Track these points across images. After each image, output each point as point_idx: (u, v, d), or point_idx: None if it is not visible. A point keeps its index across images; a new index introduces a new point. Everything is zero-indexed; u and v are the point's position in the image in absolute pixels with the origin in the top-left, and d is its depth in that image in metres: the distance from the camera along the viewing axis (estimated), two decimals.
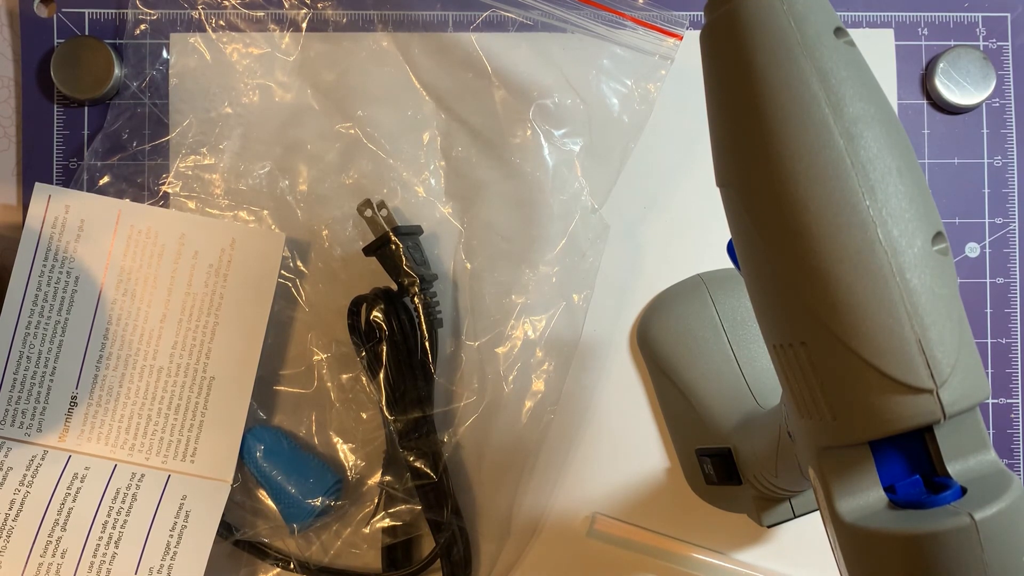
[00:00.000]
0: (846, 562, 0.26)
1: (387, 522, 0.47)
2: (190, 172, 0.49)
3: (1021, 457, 0.50)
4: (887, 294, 0.24)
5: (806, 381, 0.26)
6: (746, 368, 0.46)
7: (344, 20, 0.50)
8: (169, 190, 0.49)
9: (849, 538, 0.26)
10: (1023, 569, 0.23)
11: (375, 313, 0.46)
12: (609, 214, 0.49)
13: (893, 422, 0.24)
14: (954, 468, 0.26)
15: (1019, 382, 0.51)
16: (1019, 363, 0.51)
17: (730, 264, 0.39)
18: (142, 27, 0.50)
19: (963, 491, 0.25)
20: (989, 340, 0.51)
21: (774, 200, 0.25)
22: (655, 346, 0.48)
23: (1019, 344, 0.51)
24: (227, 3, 0.50)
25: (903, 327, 0.24)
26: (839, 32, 0.26)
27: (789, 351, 0.26)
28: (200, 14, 0.50)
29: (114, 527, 0.45)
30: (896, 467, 0.26)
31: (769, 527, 0.45)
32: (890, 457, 0.26)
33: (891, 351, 0.24)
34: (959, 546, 0.23)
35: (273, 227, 0.49)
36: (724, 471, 0.44)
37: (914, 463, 0.26)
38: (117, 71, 0.49)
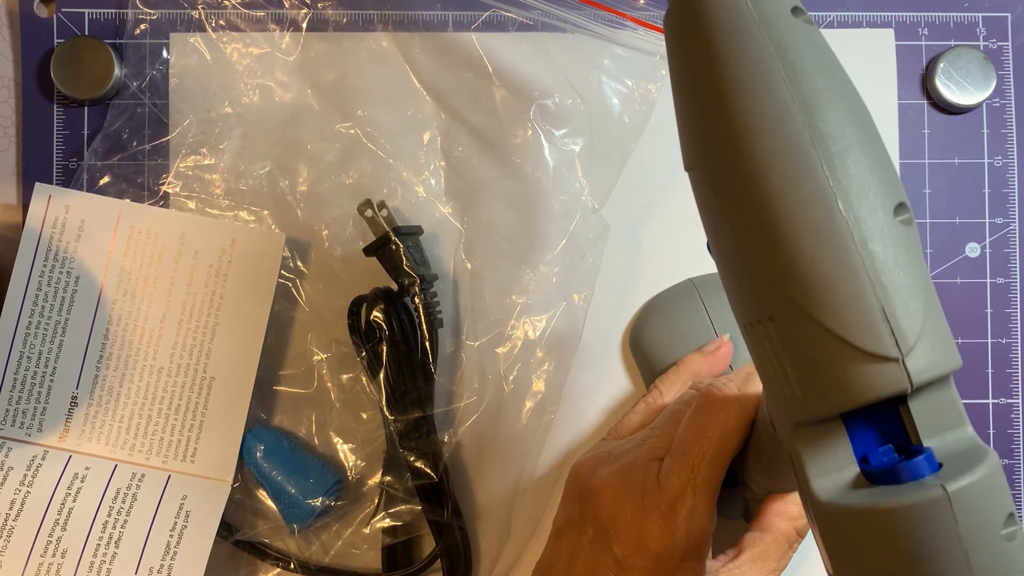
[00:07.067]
0: (824, 542, 0.26)
1: (387, 522, 0.47)
2: (190, 172, 0.49)
3: (1021, 457, 0.50)
4: (849, 264, 0.24)
5: (776, 357, 0.26)
6: None
7: (344, 20, 0.50)
8: (169, 190, 0.49)
9: (825, 517, 0.26)
10: (999, 542, 0.23)
11: (375, 313, 0.46)
12: (609, 214, 0.49)
13: (860, 392, 0.24)
14: (931, 443, 0.25)
15: (1019, 382, 0.51)
16: (1019, 363, 0.51)
17: None
18: (142, 27, 0.50)
19: (940, 466, 0.25)
20: (989, 340, 0.51)
21: (737, 177, 0.26)
22: (648, 351, 0.48)
23: (1019, 344, 0.51)
24: (227, 3, 0.50)
25: (867, 296, 0.24)
26: (797, 11, 0.26)
27: (759, 328, 0.26)
28: (200, 14, 0.50)
29: (114, 527, 0.45)
30: (871, 442, 0.26)
31: None
32: (865, 433, 0.26)
33: (855, 321, 0.24)
34: (932, 519, 0.23)
35: (273, 227, 0.49)
36: None
37: (889, 438, 0.26)
38: (117, 71, 0.49)
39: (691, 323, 0.47)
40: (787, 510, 0.39)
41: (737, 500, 0.46)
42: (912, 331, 0.24)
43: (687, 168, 0.28)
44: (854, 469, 0.26)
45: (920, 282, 0.25)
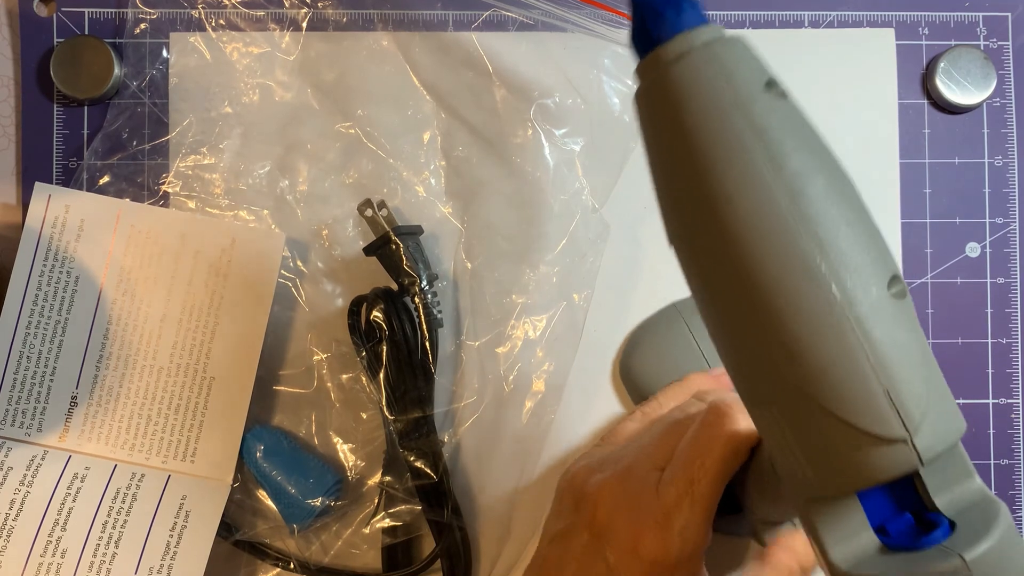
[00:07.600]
0: None
1: (387, 522, 0.47)
2: (190, 172, 0.49)
3: (1021, 457, 0.50)
4: (849, 349, 0.24)
5: (784, 438, 0.26)
6: None
7: (344, 19, 0.50)
8: (169, 190, 0.49)
9: None
10: None
11: (375, 313, 0.46)
12: (609, 214, 0.49)
13: (872, 474, 0.24)
14: (941, 500, 0.25)
15: (1019, 382, 0.51)
16: (1019, 363, 0.51)
17: None
18: (142, 26, 0.49)
19: (952, 526, 0.25)
20: (989, 340, 0.50)
21: (724, 263, 0.25)
22: (639, 381, 0.48)
23: (1019, 344, 0.51)
24: (227, 2, 0.50)
25: (869, 380, 0.24)
26: (770, 85, 0.25)
27: (764, 410, 0.26)
28: (200, 13, 0.49)
29: (114, 527, 0.45)
30: (885, 508, 0.26)
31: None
32: (878, 499, 0.26)
33: (860, 405, 0.24)
34: None
35: (273, 227, 0.49)
36: (724, 501, 0.44)
37: (903, 502, 0.26)
38: (117, 71, 0.49)
39: (679, 351, 0.47)
40: (793, 544, 0.38)
41: (741, 522, 0.45)
42: (917, 409, 0.24)
43: (670, 242, 0.28)
44: (869, 534, 0.26)
45: (920, 356, 0.25)
